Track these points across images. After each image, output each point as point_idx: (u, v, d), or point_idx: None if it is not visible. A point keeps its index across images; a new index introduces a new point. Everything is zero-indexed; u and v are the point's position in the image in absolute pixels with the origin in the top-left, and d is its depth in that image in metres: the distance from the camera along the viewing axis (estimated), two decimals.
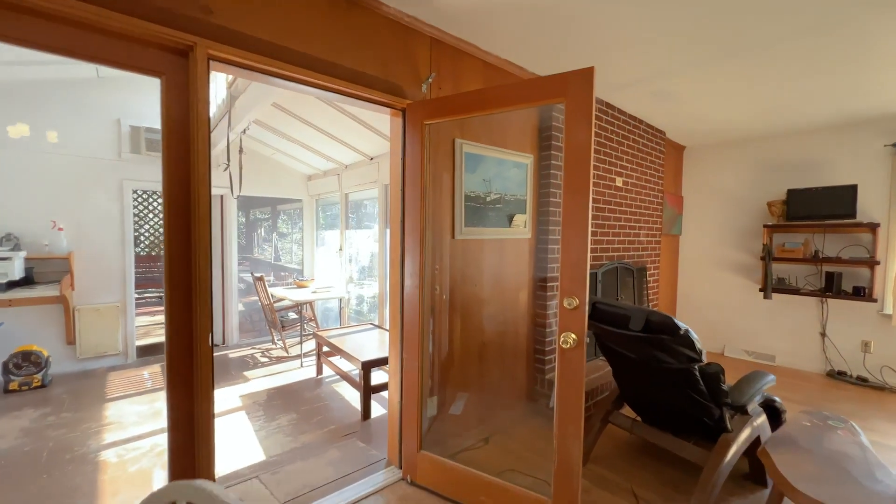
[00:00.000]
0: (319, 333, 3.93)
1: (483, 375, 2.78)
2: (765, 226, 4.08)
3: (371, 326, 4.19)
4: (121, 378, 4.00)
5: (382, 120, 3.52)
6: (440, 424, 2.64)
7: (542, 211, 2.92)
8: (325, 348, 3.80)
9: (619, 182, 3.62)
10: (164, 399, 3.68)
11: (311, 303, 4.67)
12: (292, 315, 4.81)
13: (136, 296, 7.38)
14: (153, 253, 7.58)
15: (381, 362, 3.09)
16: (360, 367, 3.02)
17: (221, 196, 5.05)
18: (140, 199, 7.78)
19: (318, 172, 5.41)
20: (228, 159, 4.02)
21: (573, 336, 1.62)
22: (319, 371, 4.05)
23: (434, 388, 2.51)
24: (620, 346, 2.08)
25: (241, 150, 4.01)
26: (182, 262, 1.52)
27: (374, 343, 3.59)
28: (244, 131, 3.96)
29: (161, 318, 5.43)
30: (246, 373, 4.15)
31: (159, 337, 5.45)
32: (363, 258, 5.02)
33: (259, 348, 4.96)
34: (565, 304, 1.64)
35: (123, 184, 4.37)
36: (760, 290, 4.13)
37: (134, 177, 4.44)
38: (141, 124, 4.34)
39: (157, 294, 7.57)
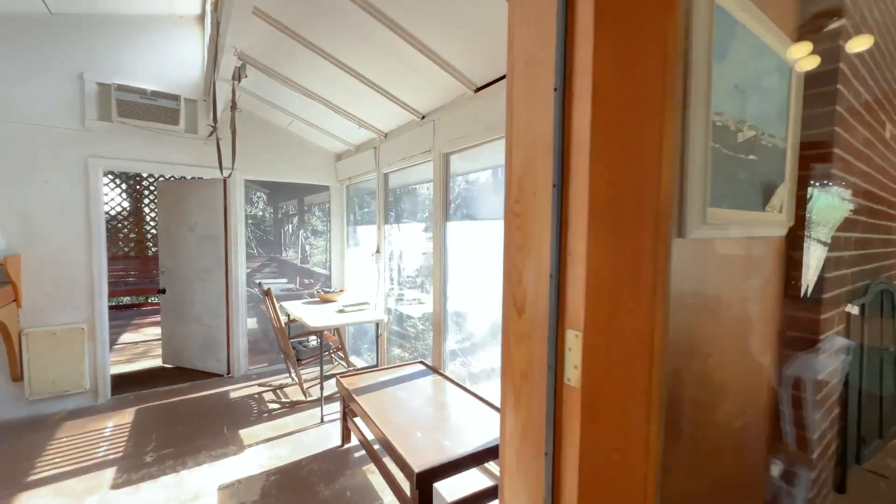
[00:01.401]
0: (343, 381, 2.57)
1: None
2: None
3: (422, 368, 2.78)
4: (77, 430, 2.84)
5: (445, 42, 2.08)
6: None
7: (812, 174, 1.34)
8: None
9: None
10: (114, 473, 2.20)
11: (338, 328, 3.35)
12: (312, 342, 3.50)
13: (129, 303, 6.41)
14: (149, 253, 6.62)
15: (451, 468, 1.65)
16: (413, 482, 1.60)
17: (225, 179, 3.83)
18: (116, 184, 6.66)
19: (348, 149, 4.08)
20: (215, 119, 2.73)
21: None
22: (346, 437, 2.69)
23: None
24: None
25: (233, 106, 2.71)
26: None
27: (425, 405, 2.16)
28: (238, 76, 2.65)
29: (155, 331, 4.35)
30: (243, 431, 2.87)
31: (152, 360, 4.35)
32: (410, 263, 3.63)
33: (271, 384, 3.70)
34: None
35: (89, 162, 3.22)
36: None
37: (104, 153, 3.28)
38: (111, 80, 3.17)
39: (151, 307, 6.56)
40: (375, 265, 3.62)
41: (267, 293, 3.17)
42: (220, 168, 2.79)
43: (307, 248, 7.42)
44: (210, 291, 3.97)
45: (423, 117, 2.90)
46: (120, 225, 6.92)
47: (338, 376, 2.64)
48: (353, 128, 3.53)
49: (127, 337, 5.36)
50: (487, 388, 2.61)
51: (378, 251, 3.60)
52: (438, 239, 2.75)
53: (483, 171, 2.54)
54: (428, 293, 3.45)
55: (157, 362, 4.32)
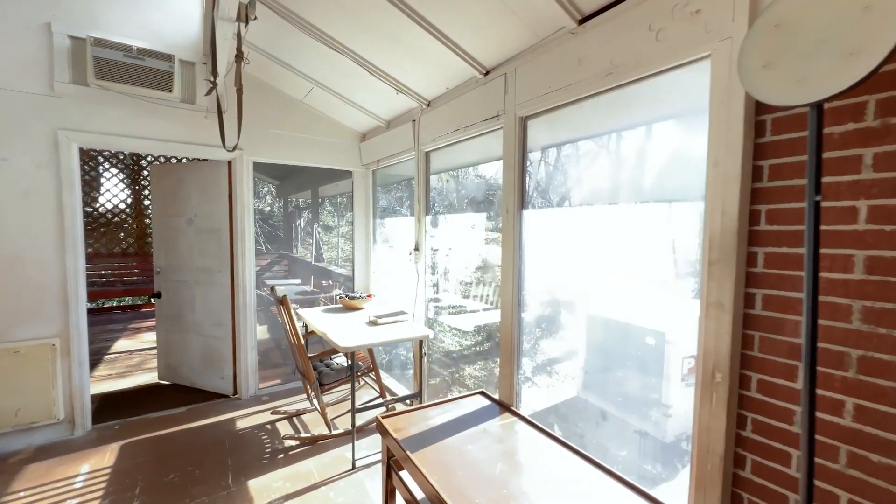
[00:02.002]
0: (387, 424, 1.90)
1: None
2: None
3: (487, 404, 2.10)
4: (40, 479, 2.21)
5: None
6: None
7: None
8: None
9: None
10: None
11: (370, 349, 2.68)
12: (337, 362, 2.84)
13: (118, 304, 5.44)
14: (150, 250, 5.98)
15: None
16: None
17: (230, 162, 3.17)
18: (112, 173, 5.87)
19: (378, 125, 3.39)
20: (215, 73, 2.06)
21: None
22: (389, 498, 2.02)
23: None
24: None
25: (239, 55, 2.03)
26: None
27: (513, 472, 1.48)
28: (245, 17, 1.97)
29: (150, 336, 3.62)
30: (253, 482, 2.21)
31: (147, 374, 3.72)
32: (460, 263, 2.94)
33: (286, 411, 3.05)
34: None
35: (60, 136, 2.57)
36: None
37: (78, 124, 2.63)
38: (86, 33, 2.51)
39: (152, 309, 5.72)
40: (414, 265, 2.94)
41: (282, 301, 2.50)
42: (223, 139, 2.12)
43: (321, 244, 6.76)
44: (212, 295, 3.32)
45: (488, 72, 2.20)
46: (117, 219, 6.31)
47: (378, 417, 1.97)
48: (387, 96, 2.84)
49: (122, 344, 4.75)
50: (586, 438, 1.93)
51: (417, 249, 2.92)
52: (512, 232, 2.05)
53: (589, 139, 1.84)
54: (482, 300, 2.77)
55: (152, 377, 3.70)
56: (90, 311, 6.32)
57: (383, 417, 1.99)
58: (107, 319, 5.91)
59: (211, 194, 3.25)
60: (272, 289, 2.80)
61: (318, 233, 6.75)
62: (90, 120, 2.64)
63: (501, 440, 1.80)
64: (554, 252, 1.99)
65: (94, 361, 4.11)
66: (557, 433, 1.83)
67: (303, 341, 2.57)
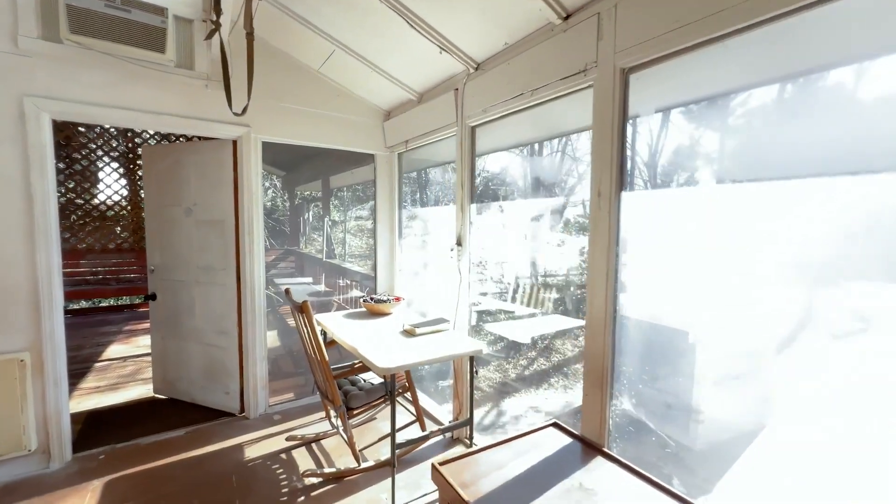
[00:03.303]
0: (446, 473, 1.44)
1: None
2: None
3: (567, 441, 1.64)
4: None
5: None
6: None
7: None
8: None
9: None
10: None
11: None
12: (364, 379, 2.37)
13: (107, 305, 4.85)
14: (142, 245, 5.50)
15: None
16: None
17: (235, 141, 2.68)
18: (105, 162, 5.46)
19: (409, 98, 2.88)
20: (217, 10, 1.58)
21: None
22: None
23: None
24: None
25: None
26: None
27: None
28: None
29: (147, 340, 3.06)
30: None
31: (141, 385, 3.25)
32: (520, 262, 2.46)
33: (304, 436, 2.58)
34: None
35: (27, 105, 2.08)
36: None
37: (49, 90, 2.14)
38: None
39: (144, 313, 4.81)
40: (455, 263, 2.46)
41: (302, 309, 2.02)
42: (229, 100, 1.64)
43: (333, 240, 6.28)
44: (214, 297, 2.85)
45: (569, 16, 1.71)
46: (111, 212, 5.84)
47: (435, 464, 1.50)
48: (424, 59, 2.35)
49: (115, 349, 4.30)
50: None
51: (459, 244, 2.44)
52: (606, 221, 1.57)
53: (734, 94, 1.34)
54: (519, 301, 2.29)
55: (147, 390, 3.25)
56: (82, 312, 5.90)
57: (441, 464, 1.52)
58: (101, 321, 5.46)
59: (213, 179, 2.77)
60: (287, 291, 2.32)
61: (330, 227, 6.26)
62: (65, 85, 2.16)
63: (607, 501, 1.32)
64: (677, 251, 1.51)
65: (83, 371, 3.66)
66: (678, 490, 1.36)
67: (327, 357, 2.10)
